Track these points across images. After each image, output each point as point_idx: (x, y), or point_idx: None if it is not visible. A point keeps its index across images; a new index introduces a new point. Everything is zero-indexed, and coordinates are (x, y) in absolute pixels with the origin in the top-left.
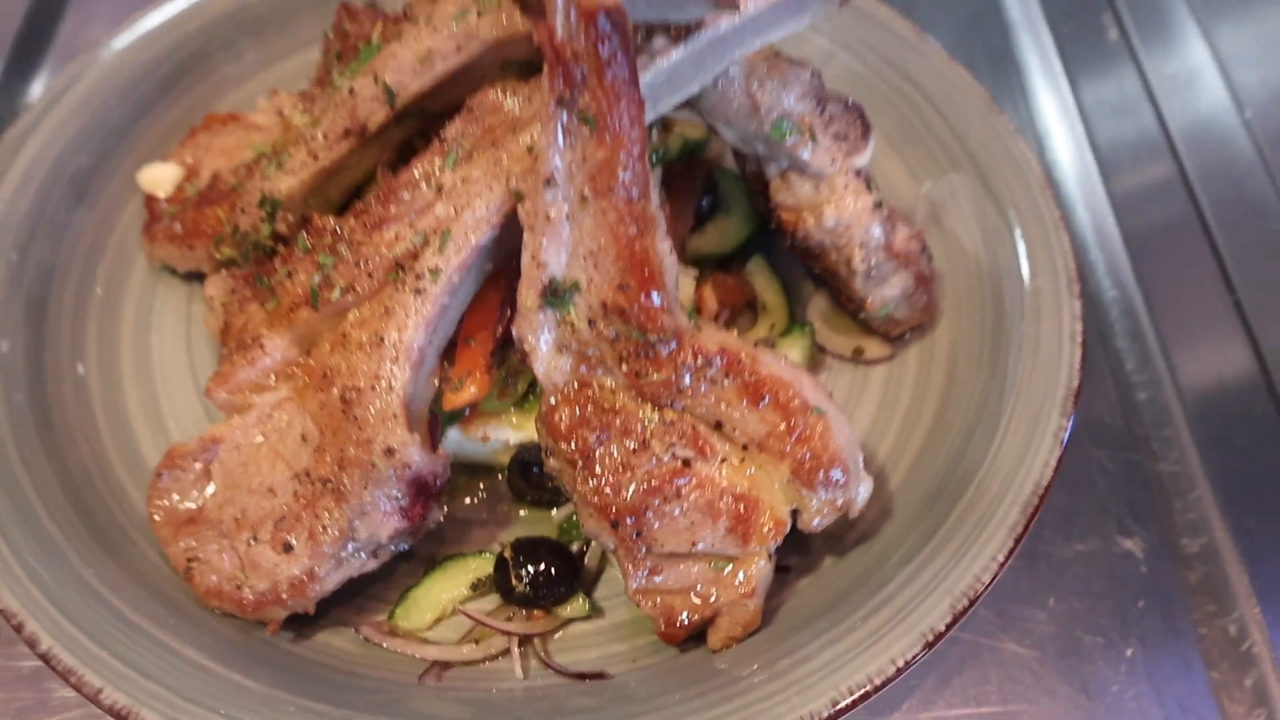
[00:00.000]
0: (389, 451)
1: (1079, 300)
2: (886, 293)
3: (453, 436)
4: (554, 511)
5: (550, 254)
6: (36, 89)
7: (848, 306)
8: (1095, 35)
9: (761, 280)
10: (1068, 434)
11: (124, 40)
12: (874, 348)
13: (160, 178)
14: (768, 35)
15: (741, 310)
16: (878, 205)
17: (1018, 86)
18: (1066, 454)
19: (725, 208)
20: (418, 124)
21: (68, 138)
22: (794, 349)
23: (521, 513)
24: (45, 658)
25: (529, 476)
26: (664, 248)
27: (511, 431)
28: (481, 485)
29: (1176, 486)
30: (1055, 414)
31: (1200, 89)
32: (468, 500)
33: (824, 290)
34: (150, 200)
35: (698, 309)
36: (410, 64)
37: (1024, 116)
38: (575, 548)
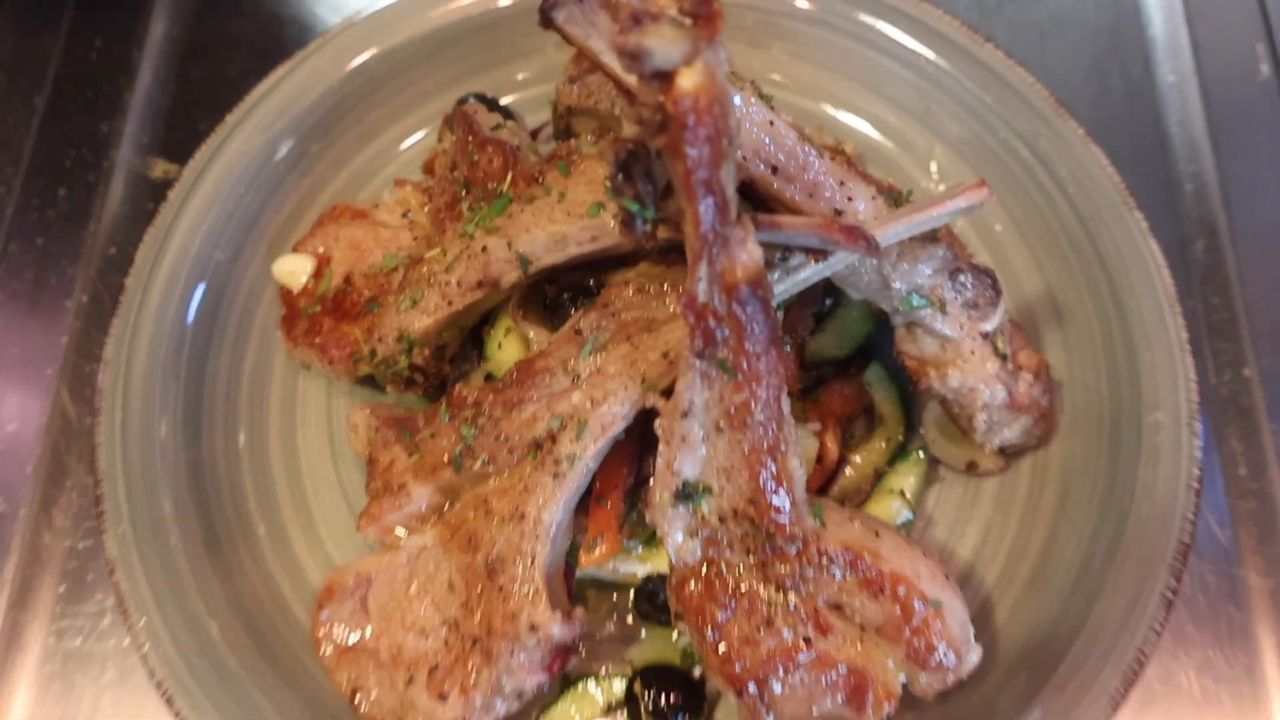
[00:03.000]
0: (533, 627)
1: (1199, 440)
2: (1005, 435)
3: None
4: (675, 636)
5: (684, 465)
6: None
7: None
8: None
9: (880, 391)
10: (1174, 594)
11: (245, 123)
12: (987, 461)
13: (294, 269)
14: (904, 237)
15: (859, 417)
16: (1002, 361)
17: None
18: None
19: (844, 305)
20: (548, 275)
21: (204, 233)
22: (909, 476)
23: (644, 632)
24: None
25: (654, 603)
26: (794, 465)
27: (639, 565)
28: (609, 601)
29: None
30: (1164, 572)
31: None
32: (596, 616)
33: None
34: (286, 294)
35: (819, 458)
36: (543, 241)
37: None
38: (698, 674)
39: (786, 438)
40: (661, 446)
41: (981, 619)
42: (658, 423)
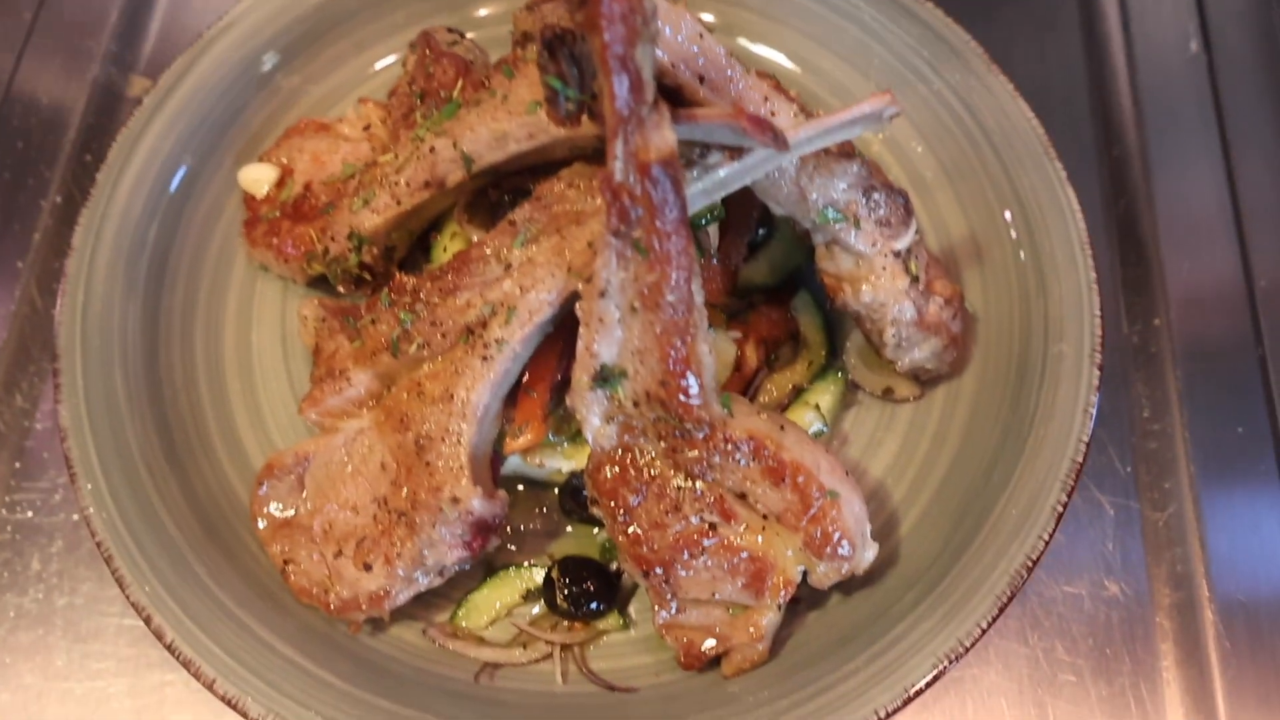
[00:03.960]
0: (455, 500)
1: (1099, 370)
2: (915, 355)
3: (513, 459)
4: (596, 531)
5: (602, 347)
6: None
7: (880, 356)
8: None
9: (805, 317)
10: (1064, 507)
11: (222, 37)
12: (903, 388)
13: (259, 177)
14: (816, 148)
15: (785, 342)
16: (913, 281)
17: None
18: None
19: (778, 236)
20: (491, 177)
21: (174, 139)
22: (826, 394)
23: (569, 527)
24: (170, 648)
25: (578, 499)
26: (703, 350)
27: (564, 460)
28: (536, 498)
29: (1169, 538)
30: (1057, 488)
31: None
32: (523, 511)
33: None
34: (249, 200)
35: (738, 367)
36: (486, 139)
37: None
38: (614, 567)
39: (696, 322)
40: (581, 330)
41: (886, 531)
42: (578, 305)
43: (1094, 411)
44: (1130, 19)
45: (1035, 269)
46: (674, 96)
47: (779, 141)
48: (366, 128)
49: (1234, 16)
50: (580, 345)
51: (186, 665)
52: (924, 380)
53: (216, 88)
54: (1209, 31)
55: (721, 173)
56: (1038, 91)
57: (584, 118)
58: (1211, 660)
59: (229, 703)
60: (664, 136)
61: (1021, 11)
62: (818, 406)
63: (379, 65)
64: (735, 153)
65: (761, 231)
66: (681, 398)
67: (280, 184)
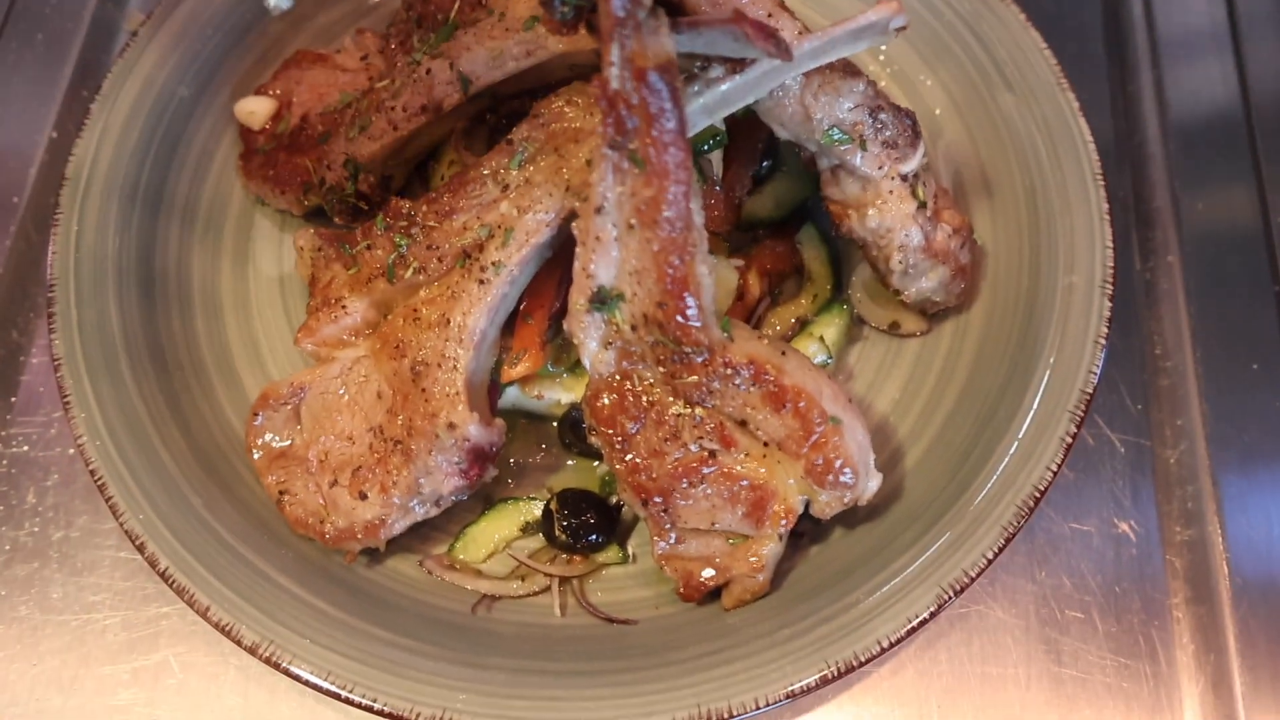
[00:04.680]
0: (451, 426)
1: (1110, 301)
2: (922, 285)
3: (512, 392)
4: (596, 464)
5: (599, 268)
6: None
7: (887, 287)
8: None
9: (811, 250)
10: (1073, 439)
11: None
12: (910, 322)
13: (255, 110)
14: (821, 62)
15: (790, 276)
16: (921, 207)
17: None
18: (1080, 432)
19: (784, 170)
20: (489, 102)
21: (169, 69)
22: (830, 326)
23: (569, 461)
24: (163, 576)
25: (577, 432)
26: (702, 271)
27: (563, 392)
28: (536, 432)
29: (1180, 476)
30: (1066, 419)
31: None
32: (523, 445)
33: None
34: (245, 132)
35: (740, 296)
36: (483, 58)
37: None
38: (614, 500)
39: (695, 241)
40: (578, 249)
41: (891, 465)
42: (575, 224)
43: (1104, 343)
44: None
45: (1045, 201)
46: (674, 9)
47: (783, 50)
48: (364, 58)
49: None
50: (577, 266)
51: (180, 593)
52: (931, 314)
53: (213, 19)
54: None
55: (723, 87)
56: (1050, 20)
57: (582, 30)
58: (1223, 598)
59: (223, 629)
60: (661, 43)
61: None
62: (822, 339)
63: None
64: (737, 66)
65: (766, 164)
66: (679, 319)
67: (277, 116)
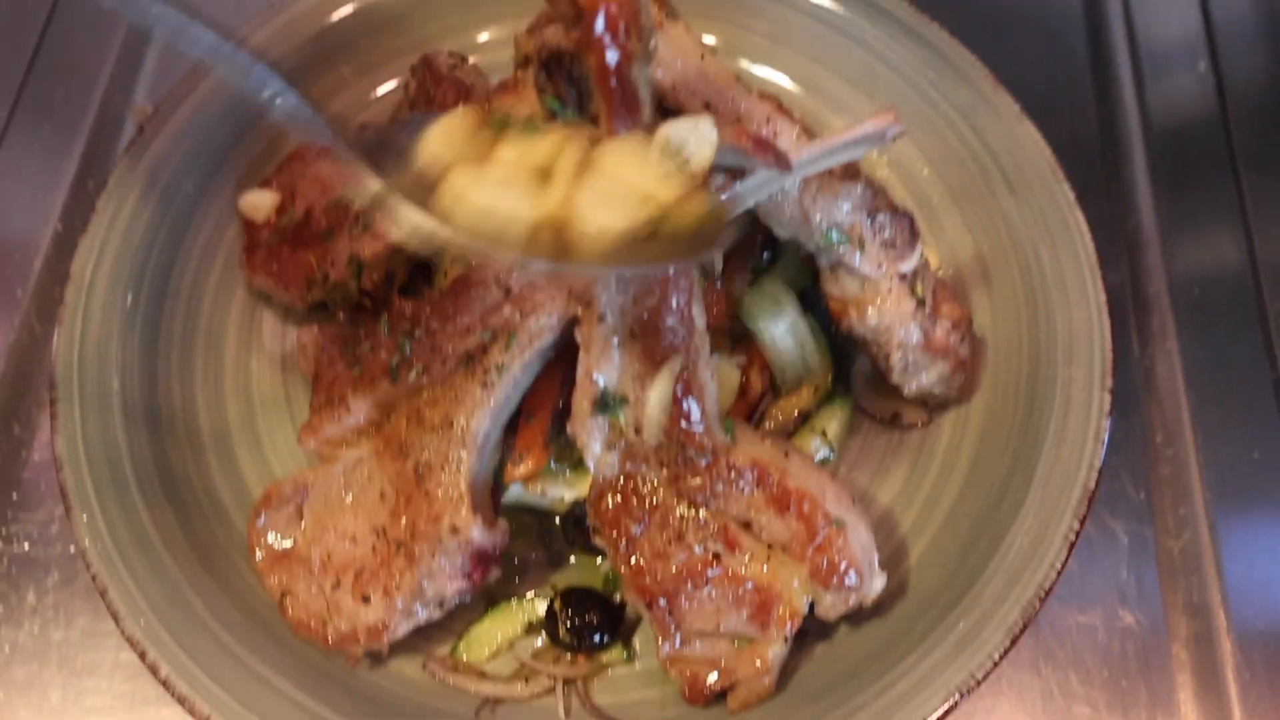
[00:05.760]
0: (454, 529)
1: (1110, 395)
2: (922, 380)
3: (514, 489)
4: (600, 560)
5: (602, 373)
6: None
7: (887, 381)
8: None
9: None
10: (1077, 535)
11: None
12: (911, 413)
13: (259, 203)
14: (820, 169)
15: None
16: (919, 304)
17: None
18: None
19: (782, 261)
20: None
21: (174, 164)
22: (833, 420)
23: (572, 558)
24: (165, 684)
25: (581, 528)
26: (705, 376)
27: (566, 489)
28: (539, 528)
29: (1184, 566)
30: (1069, 516)
31: None
32: (526, 542)
33: None
34: (249, 225)
35: (743, 393)
36: None
37: None
38: (618, 599)
39: (697, 347)
40: (581, 355)
41: (894, 560)
42: (578, 330)
43: (1106, 438)
44: (1137, 38)
45: (1044, 292)
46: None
47: (781, 162)
48: None
49: (1242, 35)
50: (580, 370)
51: (181, 701)
52: (932, 406)
53: (218, 113)
54: (1217, 50)
55: (723, 196)
56: (1045, 112)
57: None
58: (1230, 692)
59: None
60: None
61: (1028, 32)
62: (824, 433)
63: (381, 90)
64: (738, 174)
65: (766, 256)
66: (683, 424)
67: (281, 209)
